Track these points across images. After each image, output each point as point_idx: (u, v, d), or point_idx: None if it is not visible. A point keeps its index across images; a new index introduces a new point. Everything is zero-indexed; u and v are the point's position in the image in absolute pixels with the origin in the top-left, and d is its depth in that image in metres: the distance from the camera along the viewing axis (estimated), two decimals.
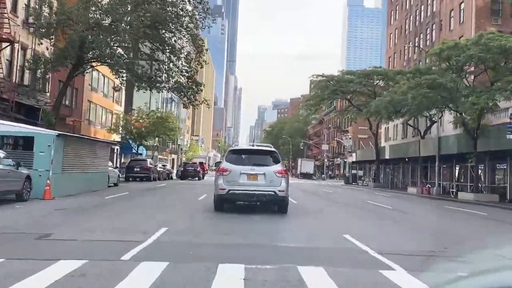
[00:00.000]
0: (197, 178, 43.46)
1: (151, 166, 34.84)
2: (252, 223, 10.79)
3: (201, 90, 26.52)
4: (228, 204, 12.86)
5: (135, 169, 34.23)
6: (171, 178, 44.65)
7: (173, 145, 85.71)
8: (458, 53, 26.05)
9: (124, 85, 25.09)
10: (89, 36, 18.55)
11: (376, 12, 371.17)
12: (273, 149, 13.51)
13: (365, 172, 64.64)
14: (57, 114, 22.27)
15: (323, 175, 76.24)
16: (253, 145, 15.68)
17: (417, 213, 17.43)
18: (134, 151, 48.20)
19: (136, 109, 44.36)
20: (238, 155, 13.02)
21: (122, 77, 23.51)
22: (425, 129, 37.24)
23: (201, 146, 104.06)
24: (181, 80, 24.69)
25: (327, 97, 47.23)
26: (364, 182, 58.83)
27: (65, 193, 16.87)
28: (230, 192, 12.01)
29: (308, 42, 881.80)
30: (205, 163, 66.53)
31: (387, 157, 43.66)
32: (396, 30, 56.15)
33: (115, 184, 25.58)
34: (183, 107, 26.76)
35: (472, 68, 27.42)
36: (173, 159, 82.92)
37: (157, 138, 45.44)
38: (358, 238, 8.33)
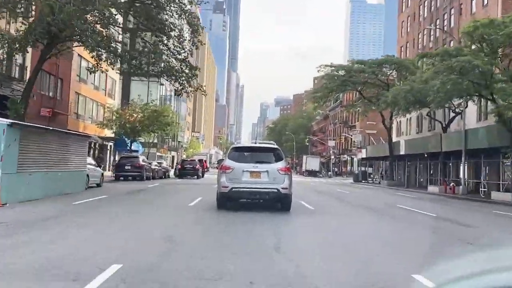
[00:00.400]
0: (196, 177, 40.05)
1: (143, 163, 31.38)
2: (270, 259, 6.34)
3: (196, 76, 22.98)
4: (231, 202, 12.48)
5: (126, 167, 30.82)
6: (168, 177, 41.21)
7: (173, 142, 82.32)
8: (494, 31, 22.47)
9: (101, 67, 21.42)
10: (58, 5, 15.04)
11: (378, 8, 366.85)
12: (275, 146, 13.36)
13: (374, 169, 61.10)
14: (26, 104, 18.76)
15: (329, 173, 72.73)
16: (255, 143, 15.62)
17: (479, 224, 13.10)
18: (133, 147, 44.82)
19: (130, 102, 40.83)
20: (241, 153, 12.89)
21: (100, 56, 19.90)
22: (448, 121, 33.60)
23: (202, 143, 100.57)
24: (172, 63, 20.99)
25: (336, 88, 43.54)
26: (375, 179, 55.29)
27: (24, 197, 13.45)
28: (233, 190, 11.92)
29: (310, 39, 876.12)
30: (205, 161, 63.05)
31: (402, 152, 40.08)
32: (409, 18, 52.45)
33: (98, 185, 22.17)
34: (175, 95, 23.07)
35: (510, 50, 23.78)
36: (173, 156, 79.51)
37: (152, 134, 41.87)
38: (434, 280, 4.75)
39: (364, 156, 53.17)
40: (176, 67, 21.00)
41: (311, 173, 74.02)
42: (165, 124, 40.08)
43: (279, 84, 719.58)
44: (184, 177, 39.38)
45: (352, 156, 76.83)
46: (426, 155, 35.78)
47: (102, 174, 22.71)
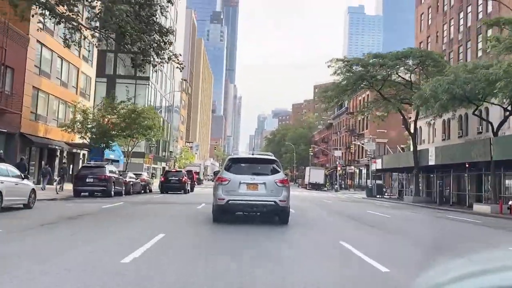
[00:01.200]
0: (182, 191, 32.95)
1: (110, 175, 24.25)
2: None
3: (170, 43, 15.92)
4: (227, 215, 12.01)
5: (87, 180, 23.74)
6: (150, 191, 34.06)
7: (164, 152, 75.17)
8: None
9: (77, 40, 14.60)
10: None
11: (377, 19, 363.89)
12: (273, 157, 12.78)
13: (384, 182, 54.12)
14: None
15: (335, 186, 65.60)
16: (253, 154, 14.20)
17: None
18: (111, 156, 37.64)
19: (102, 101, 33.76)
20: (238, 164, 12.41)
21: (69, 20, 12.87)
22: (499, 122, 26.61)
23: (196, 154, 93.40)
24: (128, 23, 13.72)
25: (351, 85, 36.57)
26: (391, 194, 48.20)
27: None
28: (230, 202, 11.53)
29: (308, 51, 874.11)
30: (196, 172, 55.82)
31: (431, 162, 33.04)
32: (430, 9, 45.85)
33: (27, 206, 15.06)
34: (132, 67, 16.09)
35: None
36: (163, 167, 72.28)
37: (129, 139, 34.75)
38: None
39: (379, 167, 46.06)
40: (136, 28, 13.81)
41: (315, 186, 67.09)
42: (145, 128, 32.99)
43: (276, 96, 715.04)
44: (168, 191, 32.28)
45: (360, 168, 69.81)
46: (467, 165, 28.73)
47: (33, 190, 15.55)
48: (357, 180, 70.14)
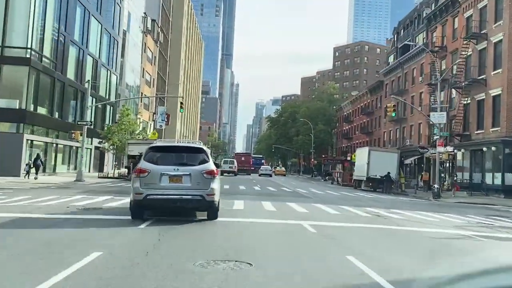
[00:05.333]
0: None
1: None
2: None
3: None
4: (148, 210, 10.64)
5: None
6: None
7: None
8: None
9: None
10: None
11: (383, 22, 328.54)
12: (201, 146, 11.55)
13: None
14: None
15: (435, 186, 31.71)
16: (179, 142, 14.11)
17: None
18: None
19: None
20: (160, 153, 10.87)
21: None
22: None
23: (163, 126, 59.71)
24: None
25: None
26: None
27: None
28: (149, 197, 10.08)
29: (306, 43, 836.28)
30: None
31: None
32: None
33: None
34: None
35: None
36: (97, 148, 39.15)
37: None
38: None
39: None
40: None
41: (379, 184, 34.56)
42: None
43: (275, 88, 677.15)
44: None
45: (475, 149, 36.47)
46: None
47: None
48: (470, 174, 36.17)
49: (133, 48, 56.55)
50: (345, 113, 77.56)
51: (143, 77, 61.85)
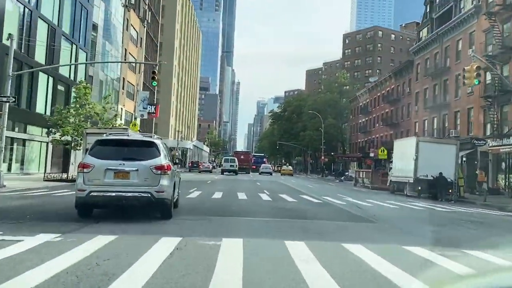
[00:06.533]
0: None
1: None
2: None
3: None
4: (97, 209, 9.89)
5: None
6: None
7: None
8: None
9: None
10: None
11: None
12: (152, 139, 10.37)
13: None
14: None
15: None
16: (128, 135, 11.30)
17: None
18: None
19: None
20: (107, 147, 9.91)
21: None
22: None
23: (144, 112, 49.63)
24: None
25: None
26: None
27: None
28: (92, 194, 9.24)
29: (308, 42, 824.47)
30: None
31: None
32: None
33: None
34: None
35: None
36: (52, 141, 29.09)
37: None
38: None
39: None
40: None
41: (429, 186, 25.07)
42: None
43: (277, 87, 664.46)
44: None
45: None
46: None
47: None
48: None
49: (112, 25, 46.88)
50: (360, 104, 67.58)
51: (125, 59, 52.07)
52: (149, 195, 9.32)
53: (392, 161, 31.23)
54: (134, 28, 55.13)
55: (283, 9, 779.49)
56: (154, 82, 23.75)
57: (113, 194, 9.25)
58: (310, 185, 35.58)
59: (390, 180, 30.10)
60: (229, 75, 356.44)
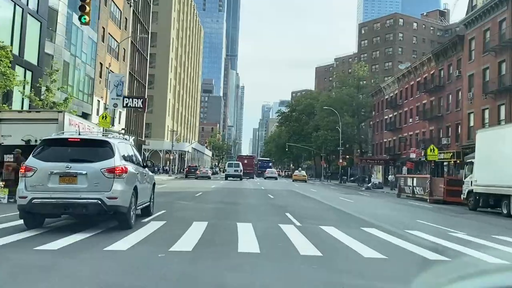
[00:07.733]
0: None
1: None
2: None
3: None
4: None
5: None
6: None
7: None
8: None
9: None
10: None
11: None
12: (105, 138, 9.27)
13: None
14: None
15: None
16: (79, 134, 10.10)
17: None
18: None
19: None
20: (53, 147, 8.69)
21: None
22: None
23: (118, 101, 39.08)
24: None
25: None
26: None
27: None
28: (34, 201, 8.07)
29: (314, 51, 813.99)
30: None
31: None
32: None
33: None
34: None
35: None
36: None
37: None
38: None
39: None
40: None
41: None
42: None
43: (282, 91, 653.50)
44: None
45: None
46: None
47: None
48: None
49: None
50: (386, 97, 57.30)
51: (103, 41, 42.27)
52: (99, 202, 8.12)
53: (468, 162, 21.14)
54: (115, 3, 45.39)
55: (286, 10, 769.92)
56: (84, 17, 13.45)
57: (58, 201, 8.13)
58: (341, 197, 25.45)
59: (469, 191, 19.98)
60: (233, 79, 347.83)
